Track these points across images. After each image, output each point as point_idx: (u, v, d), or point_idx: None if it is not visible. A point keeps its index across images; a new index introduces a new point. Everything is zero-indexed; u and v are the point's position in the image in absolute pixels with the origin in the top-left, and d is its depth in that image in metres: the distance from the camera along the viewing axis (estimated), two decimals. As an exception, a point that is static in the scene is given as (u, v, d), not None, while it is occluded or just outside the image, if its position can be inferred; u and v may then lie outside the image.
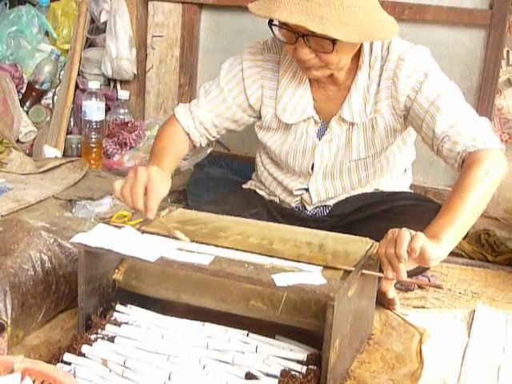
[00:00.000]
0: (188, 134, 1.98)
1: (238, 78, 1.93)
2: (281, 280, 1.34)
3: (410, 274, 1.97)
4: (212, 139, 2.05)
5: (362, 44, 1.79)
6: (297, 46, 1.66)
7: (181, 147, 1.95)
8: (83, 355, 1.43)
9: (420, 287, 2.03)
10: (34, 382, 1.10)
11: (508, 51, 2.49)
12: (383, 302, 1.85)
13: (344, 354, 1.44)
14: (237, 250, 1.50)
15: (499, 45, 2.43)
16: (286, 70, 1.90)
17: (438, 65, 1.82)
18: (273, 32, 1.74)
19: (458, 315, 1.86)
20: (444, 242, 1.46)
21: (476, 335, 1.74)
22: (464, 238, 2.48)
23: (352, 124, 1.87)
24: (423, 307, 1.92)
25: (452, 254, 2.32)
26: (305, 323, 1.45)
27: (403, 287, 2.00)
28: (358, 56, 1.82)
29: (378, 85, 1.82)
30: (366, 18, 1.61)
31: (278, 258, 1.47)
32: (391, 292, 1.84)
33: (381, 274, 1.48)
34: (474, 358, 1.63)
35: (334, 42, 1.61)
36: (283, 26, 1.66)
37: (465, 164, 1.65)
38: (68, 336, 1.57)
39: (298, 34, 1.63)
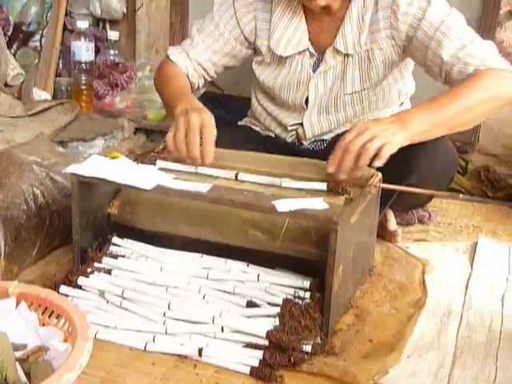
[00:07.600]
0: (187, 76, 1.91)
1: (231, 11, 1.85)
2: (282, 205, 1.30)
3: (410, 207, 1.95)
4: (209, 79, 1.97)
5: None
6: None
7: (190, 86, 1.87)
8: (80, 287, 1.40)
9: (420, 221, 2.01)
10: (29, 306, 1.06)
11: (509, -19, 2.42)
12: (384, 234, 1.83)
13: (347, 282, 1.41)
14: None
15: (500, -27, 2.35)
16: (279, 0, 1.81)
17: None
18: None
19: (460, 247, 1.84)
20: (410, 130, 1.44)
21: (479, 266, 1.72)
22: (463, 175, 2.46)
23: (347, 55, 1.80)
24: (424, 240, 1.90)
25: (452, 190, 2.32)
26: (305, 252, 1.41)
27: (404, 221, 1.98)
28: None
29: (375, 14, 1.74)
30: None
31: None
32: (393, 224, 1.81)
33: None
34: (477, 288, 1.61)
35: None
36: None
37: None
38: (63, 271, 1.53)
39: None
